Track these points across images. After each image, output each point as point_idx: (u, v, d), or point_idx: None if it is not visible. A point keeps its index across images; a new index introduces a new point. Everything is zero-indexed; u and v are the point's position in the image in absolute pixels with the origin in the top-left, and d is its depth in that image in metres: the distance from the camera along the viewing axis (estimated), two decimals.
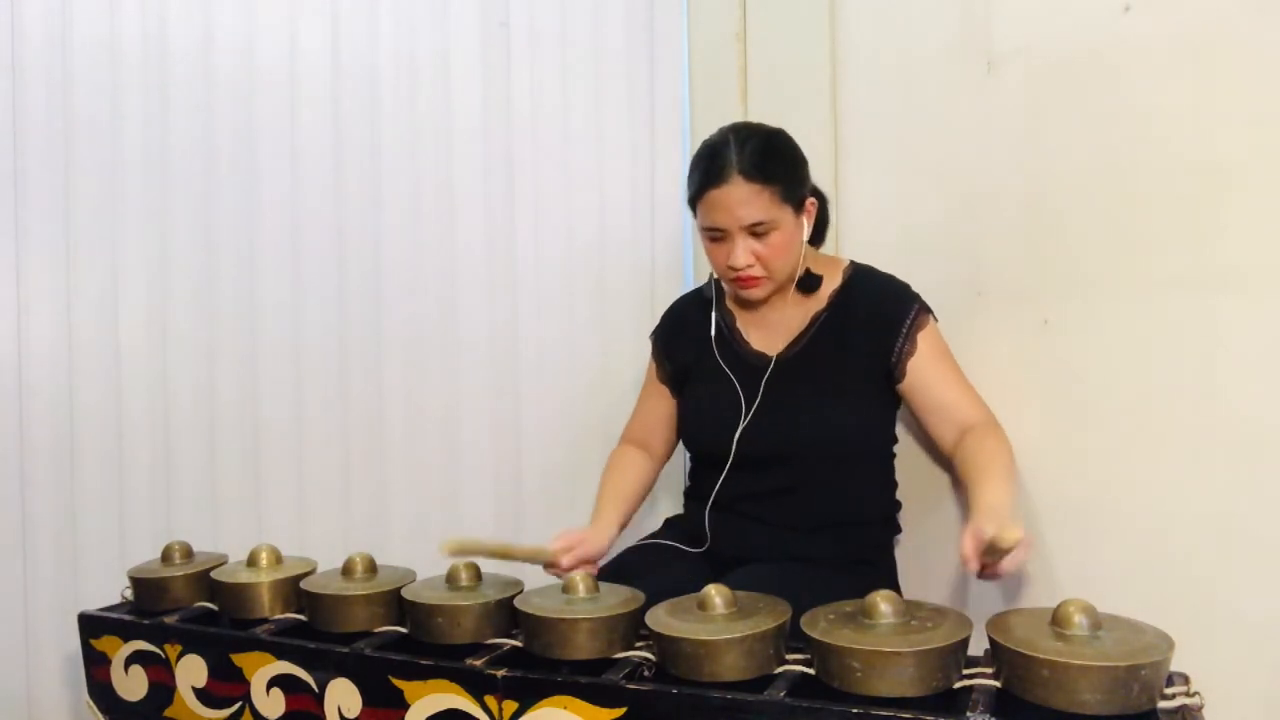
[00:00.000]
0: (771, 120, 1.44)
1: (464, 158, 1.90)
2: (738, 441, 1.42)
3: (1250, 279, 1.19)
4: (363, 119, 1.89)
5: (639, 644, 1.14)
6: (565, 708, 1.06)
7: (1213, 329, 1.22)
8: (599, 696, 1.04)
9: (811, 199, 1.43)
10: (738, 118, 1.56)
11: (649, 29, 1.88)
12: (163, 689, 1.36)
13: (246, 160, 1.89)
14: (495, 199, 1.90)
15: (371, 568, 1.38)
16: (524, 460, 1.93)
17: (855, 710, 0.94)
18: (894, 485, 1.53)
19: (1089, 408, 1.36)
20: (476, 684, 1.12)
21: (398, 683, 1.17)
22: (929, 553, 1.57)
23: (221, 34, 1.88)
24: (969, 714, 0.93)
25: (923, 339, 1.41)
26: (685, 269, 1.91)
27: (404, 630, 1.27)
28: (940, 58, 1.56)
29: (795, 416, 1.41)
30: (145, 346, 1.89)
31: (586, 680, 1.06)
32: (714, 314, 1.51)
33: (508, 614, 1.22)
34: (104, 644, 1.41)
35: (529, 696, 1.08)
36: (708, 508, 1.46)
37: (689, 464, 1.62)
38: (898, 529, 1.54)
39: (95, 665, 1.43)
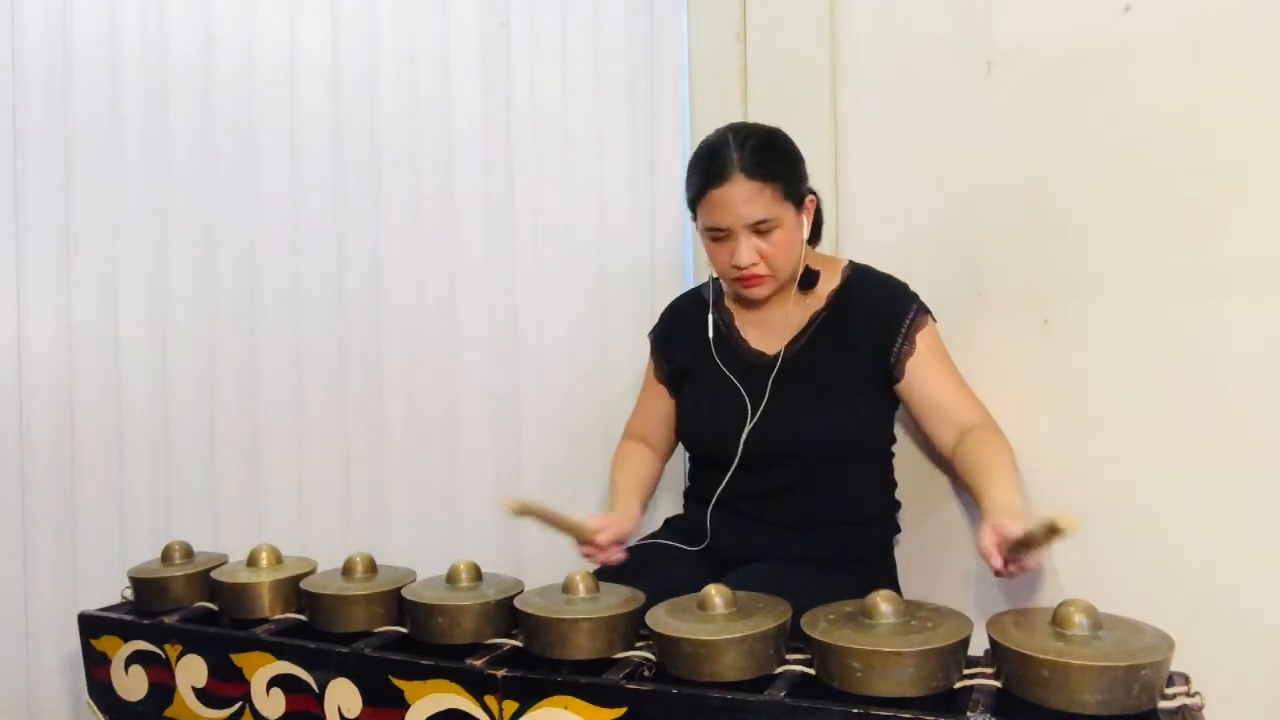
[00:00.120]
0: (771, 120, 1.43)
1: (464, 158, 1.90)
2: (745, 442, 1.42)
3: (1250, 279, 1.18)
4: (363, 119, 1.90)
5: (639, 644, 1.14)
6: (565, 708, 1.06)
7: (1213, 329, 1.22)
8: (599, 696, 1.04)
9: (811, 196, 1.43)
10: (738, 118, 1.56)
11: (649, 29, 1.88)
12: (163, 689, 1.36)
13: (246, 160, 1.89)
14: (495, 199, 1.90)
15: (371, 568, 1.38)
16: (524, 460, 1.93)
17: (855, 710, 0.94)
18: (893, 485, 1.53)
19: (1089, 408, 1.36)
20: (476, 684, 1.12)
21: (398, 683, 1.17)
22: (929, 553, 1.57)
23: (221, 34, 1.88)
24: (969, 714, 0.93)
25: (921, 339, 1.41)
26: (685, 269, 1.90)
27: (404, 630, 1.27)
28: (940, 57, 1.56)
29: (796, 416, 1.41)
30: (145, 346, 1.90)
31: (586, 680, 1.06)
32: (712, 314, 1.51)
33: (508, 614, 1.22)
34: (104, 644, 1.41)
35: (529, 696, 1.08)
36: (710, 508, 1.46)
37: (688, 464, 1.62)
38: (897, 529, 1.54)
39: (95, 665, 1.43)
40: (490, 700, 1.11)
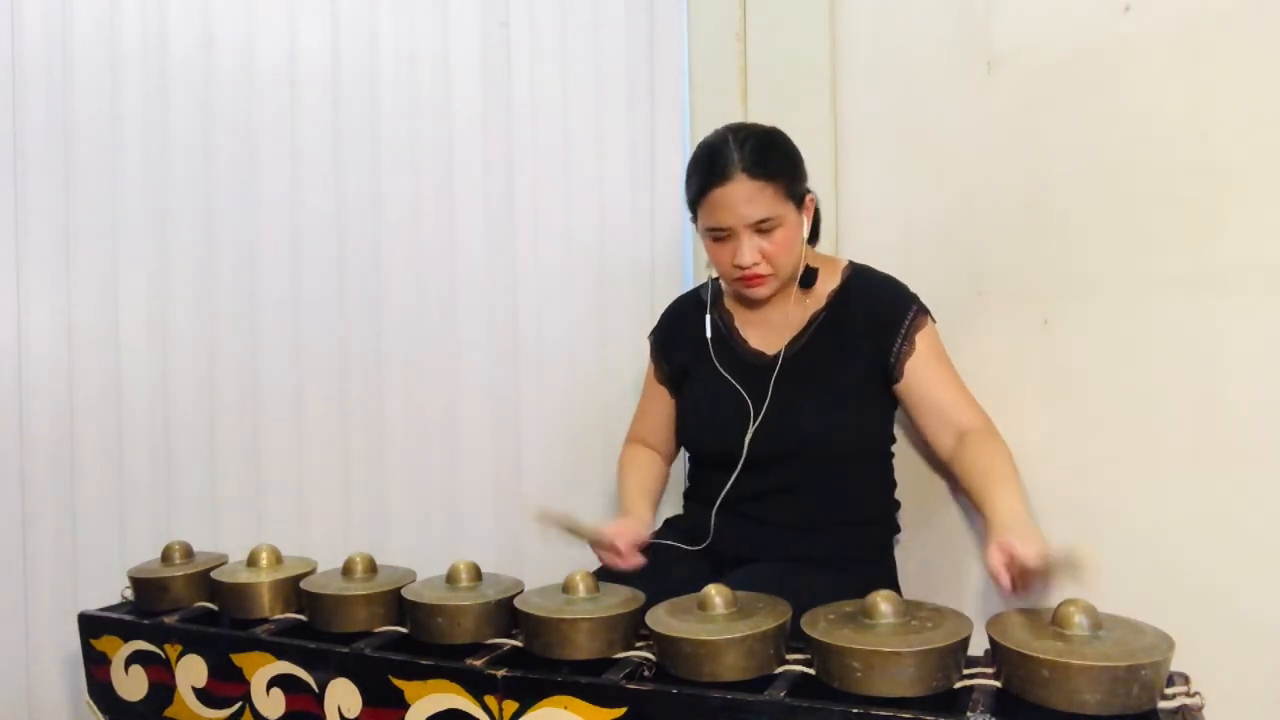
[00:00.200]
0: (771, 120, 1.43)
1: (464, 158, 1.90)
2: (749, 443, 1.42)
3: (1250, 279, 1.18)
4: (363, 119, 1.90)
5: (639, 644, 1.14)
6: (565, 708, 1.06)
7: (1213, 329, 1.22)
8: (599, 696, 1.04)
9: (810, 195, 1.43)
10: (738, 118, 1.56)
11: (649, 29, 1.88)
12: (163, 689, 1.36)
13: (246, 160, 1.90)
14: (495, 199, 1.90)
15: (371, 568, 1.38)
16: (524, 460, 1.93)
17: (855, 710, 0.94)
18: (893, 485, 1.53)
19: (1089, 408, 1.36)
20: (477, 684, 1.12)
21: (398, 683, 1.17)
22: (929, 553, 1.57)
23: (221, 34, 1.88)
24: (969, 714, 0.93)
25: (920, 340, 1.41)
26: (685, 269, 1.91)
27: (404, 630, 1.27)
28: (940, 57, 1.56)
29: (796, 416, 1.41)
30: (145, 346, 1.90)
31: (586, 680, 1.06)
32: (711, 315, 1.51)
33: (508, 614, 1.22)
34: (104, 644, 1.41)
35: (529, 696, 1.08)
36: (714, 509, 1.46)
37: (689, 465, 1.62)
38: (897, 529, 1.54)
39: (95, 665, 1.43)
40: (490, 700, 1.11)
